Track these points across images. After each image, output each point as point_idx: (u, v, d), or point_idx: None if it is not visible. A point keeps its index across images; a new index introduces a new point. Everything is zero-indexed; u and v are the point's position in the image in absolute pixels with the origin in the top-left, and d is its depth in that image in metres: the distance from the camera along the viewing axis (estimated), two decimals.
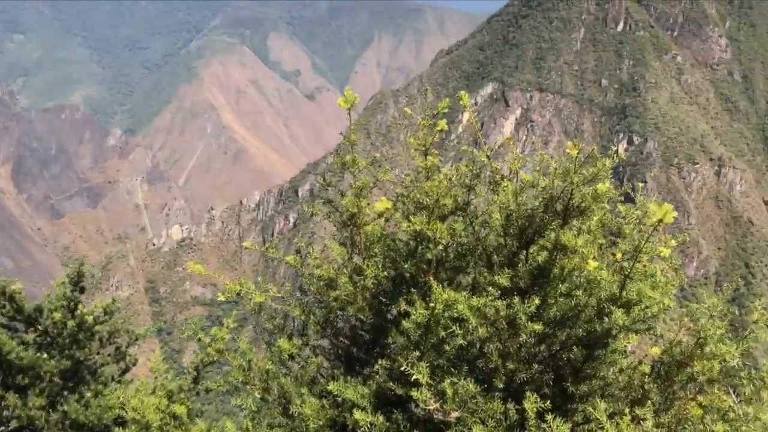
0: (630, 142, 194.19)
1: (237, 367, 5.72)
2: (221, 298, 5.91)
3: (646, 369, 5.31)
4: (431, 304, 5.11)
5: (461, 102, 5.52)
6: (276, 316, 6.08)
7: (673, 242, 5.28)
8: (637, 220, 5.55)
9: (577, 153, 4.90)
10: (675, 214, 4.67)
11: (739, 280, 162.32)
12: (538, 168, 5.54)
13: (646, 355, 5.48)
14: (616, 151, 5.44)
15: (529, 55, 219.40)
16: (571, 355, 5.34)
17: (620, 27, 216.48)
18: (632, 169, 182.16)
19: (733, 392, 5.17)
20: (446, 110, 5.59)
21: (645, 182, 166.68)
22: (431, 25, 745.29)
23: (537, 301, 4.98)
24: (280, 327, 6.02)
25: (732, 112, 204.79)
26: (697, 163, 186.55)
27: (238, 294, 5.90)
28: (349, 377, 5.59)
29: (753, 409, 4.80)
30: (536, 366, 5.25)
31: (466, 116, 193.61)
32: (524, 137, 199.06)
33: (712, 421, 4.73)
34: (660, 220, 4.67)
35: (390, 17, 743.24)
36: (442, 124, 5.58)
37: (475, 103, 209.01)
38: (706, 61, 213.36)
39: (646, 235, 4.92)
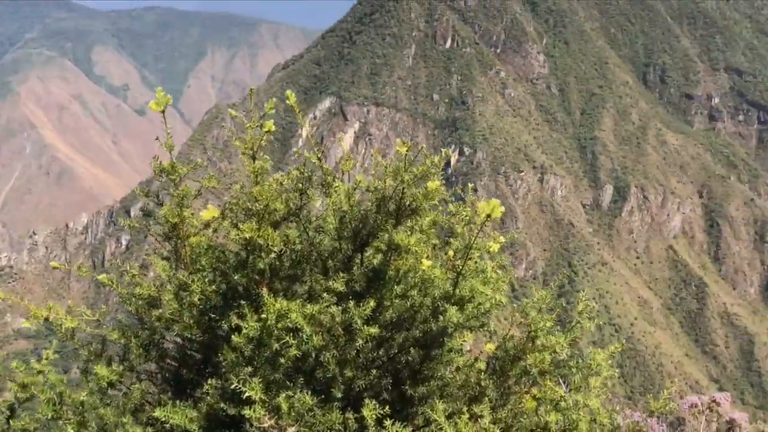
0: (461, 153, 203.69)
1: (45, 402, 5.10)
2: (25, 324, 5.27)
3: (482, 366, 5.34)
4: (263, 316, 4.84)
5: (288, 101, 5.30)
6: (92, 342, 5.52)
7: (502, 238, 5.35)
8: (468, 219, 5.59)
9: (407, 151, 4.84)
10: (502, 209, 4.73)
11: (565, 272, 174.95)
12: (373, 172, 5.45)
13: (482, 352, 5.52)
14: (447, 150, 5.46)
15: (365, 70, 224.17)
16: (409, 358, 5.26)
17: (448, 44, 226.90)
18: (464, 179, 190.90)
19: (564, 382, 5.33)
20: (273, 110, 5.34)
21: (476, 190, 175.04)
22: (266, 39, 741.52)
23: (372, 303, 4.85)
24: (97, 353, 5.46)
25: (551, 123, 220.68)
26: (522, 171, 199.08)
27: (47, 320, 5.28)
28: (178, 401, 5.18)
29: (582, 397, 4.95)
30: (375, 371, 5.11)
31: (305, 131, 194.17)
32: (363, 150, 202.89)
33: (545, 411, 4.82)
34: (488, 216, 4.71)
35: (222, 31, 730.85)
36: (270, 124, 5.33)
37: (314, 117, 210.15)
38: (526, 75, 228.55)
39: (476, 231, 4.95)
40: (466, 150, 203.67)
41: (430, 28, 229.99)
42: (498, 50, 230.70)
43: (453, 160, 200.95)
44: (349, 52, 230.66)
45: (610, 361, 5.34)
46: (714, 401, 7.83)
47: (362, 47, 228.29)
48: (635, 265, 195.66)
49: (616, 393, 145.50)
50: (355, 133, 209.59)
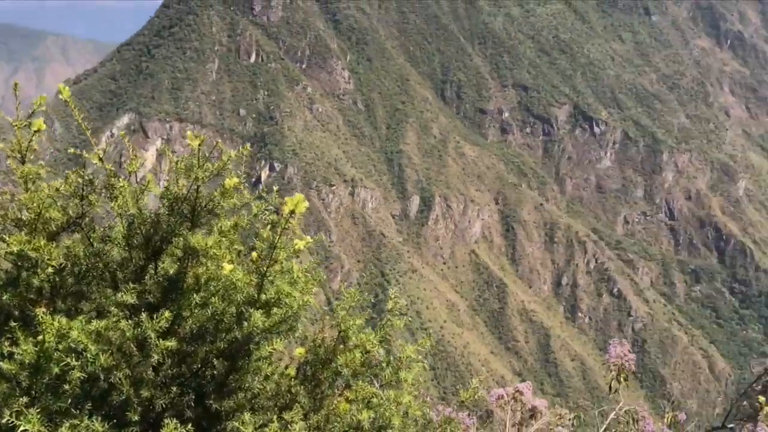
0: (272, 168, 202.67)
1: None
2: None
3: (293, 372, 5.10)
4: (41, 338, 4.26)
5: (62, 96, 4.74)
6: None
7: (309, 238, 5.15)
8: (273, 221, 5.33)
9: (200, 145, 4.49)
10: (306, 203, 4.54)
11: (373, 271, 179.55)
12: (167, 178, 5.03)
13: (292, 358, 5.29)
14: (246, 146, 5.16)
15: (165, 85, 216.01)
16: (214, 371, 4.89)
17: (253, 59, 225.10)
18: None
19: (377, 380, 5.24)
20: (43, 108, 4.75)
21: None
22: (53, 52, 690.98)
23: (168, 314, 4.43)
24: None
25: (359, 137, 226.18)
26: (334, 185, 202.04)
27: None
28: None
29: (394, 394, 4.88)
30: (175, 388, 4.68)
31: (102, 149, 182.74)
32: (167, 168, 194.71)
33: (357, 410, 4.69)
34: (292, 212, 4.49)
35: (2, 43, 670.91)
36: (39, 123, 4.74)
37: (112, 135, 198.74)
38: (333, 91, 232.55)
39: (280, 228, 4.71)
40: (277, 165, 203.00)
41: (233, 43, 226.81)
42: (304, 66, 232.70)
43: (264, 176, 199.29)
44: (147, 66, 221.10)
45: (420, 356, 5.32)
46: (518, 392, 8.17)
47: (162, 61, 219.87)
48: (442, 270, 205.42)
49: (431, 394, 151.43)
50: (157, 150, 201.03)
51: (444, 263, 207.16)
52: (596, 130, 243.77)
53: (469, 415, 7.71)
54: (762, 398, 6.69)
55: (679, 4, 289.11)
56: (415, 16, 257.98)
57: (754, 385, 7.13)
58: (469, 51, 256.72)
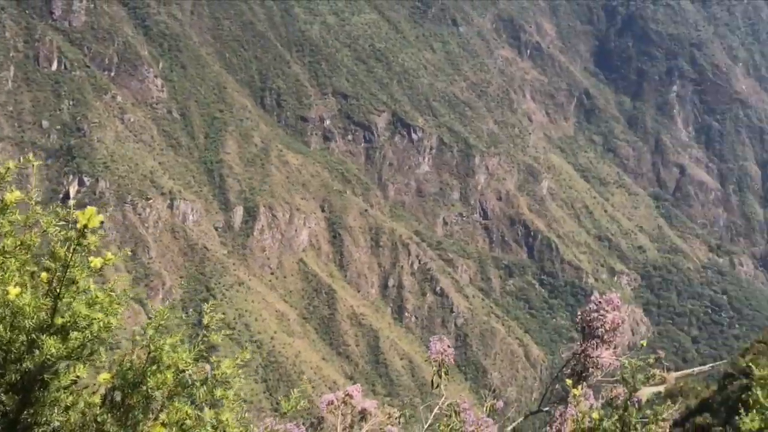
0: (81, 183, 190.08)
1: None
2: None
3: (98, 400, 4.68)
4: None
5: None
6: None
7: (110, 255, 4.76)
8: (67, 237, 4.85)
9: None
10: (101, 217, 4.17)
11: (182, 283, 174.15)
12: None
13: (98, 385, 4.85)
14: (30, 155, 4.66)
15: None
16: (5, 407, 4.37)
17: (55, 66, 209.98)
18: None
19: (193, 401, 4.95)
20: None
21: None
22: None
23: None
24: None
25: (176, 147, 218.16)
26: (150, 199, 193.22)
27: None
28: None
29: (213, 413, 4.63)
30: None
31: None
32: None
33: None
34: (86, 226, 4.11)
35: None
36: None
37: None
38: (145, 100, 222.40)
39: (73, 245, 4.29)
40: (87, 180, 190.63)
41: (31, 49, 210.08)
42: (112, 74, 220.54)
43: (72, 191, 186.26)
44: None
45: (240, 371, 5.10)
46: (347, 395, 8.13)
47: None
48: (270, 281, 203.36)
49: (263, 407, 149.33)
50: None
51: (272, 273, 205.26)
52: (414, 136, 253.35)
53: (297, 424, 7.57)
54: (569, 381, 7.13)
55: (484, 16, 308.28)
56: (230, 22, 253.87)
57: (563, 369, 7.59)
58: (287, 58, 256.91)
